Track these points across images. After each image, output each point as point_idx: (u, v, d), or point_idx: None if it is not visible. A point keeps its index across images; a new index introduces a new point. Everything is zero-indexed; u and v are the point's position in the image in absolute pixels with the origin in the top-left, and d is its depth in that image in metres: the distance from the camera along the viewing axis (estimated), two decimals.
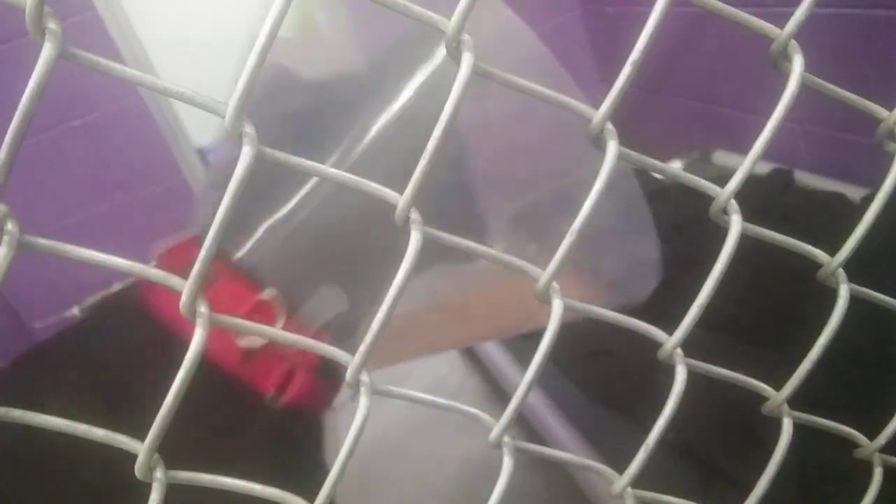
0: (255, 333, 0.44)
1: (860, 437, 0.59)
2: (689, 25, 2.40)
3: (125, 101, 2.46)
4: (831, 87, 0.47)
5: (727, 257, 0.47)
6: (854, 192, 1.87)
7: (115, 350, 0.91)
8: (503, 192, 1.12)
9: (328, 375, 0.90)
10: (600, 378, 1.65)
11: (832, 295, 0.53)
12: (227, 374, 0.83)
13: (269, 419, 0.87)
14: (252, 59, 0.39)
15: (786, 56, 0.46)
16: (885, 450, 0.60)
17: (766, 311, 1.62)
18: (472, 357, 2.05)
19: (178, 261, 0.90)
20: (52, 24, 0.34)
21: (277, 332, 0.47)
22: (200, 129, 2.58)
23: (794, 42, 0.45)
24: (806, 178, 2.08)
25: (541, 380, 1.71)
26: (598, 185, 0.42)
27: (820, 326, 0.53)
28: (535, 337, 0.48)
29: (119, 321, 0.95)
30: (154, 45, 2.54)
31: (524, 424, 1.61)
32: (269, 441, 0.90)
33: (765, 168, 2.14)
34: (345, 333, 0.89)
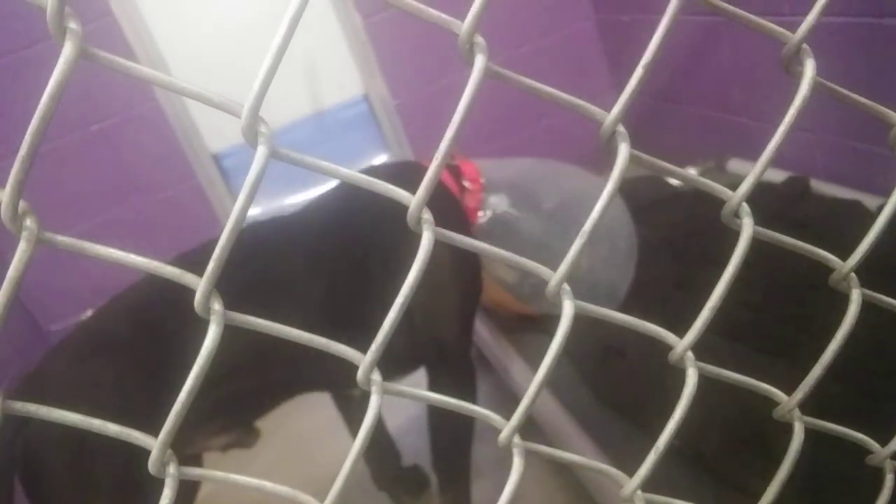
0: (263, 330, 0.44)
1: (872, 444, 0.58)
2: (703, 35, 2.40)
3: (141, 107, 2.49)
4: (842, 90, 0.47)
5: (739, 260, 0.47)
6: (871, 202, 1.85)
7: None
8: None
9: None
10: (612, 382, 1.64)
11: (846, 303, 0.53)
12: None
13: None
14: (267, 62, 0.39)
15: (798, 60, 0.46)
16: None
17: (781, 320, 1.61)
18: (483, 363, 2.05)
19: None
20: (72, 24, 0.35)
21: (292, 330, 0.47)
22: (215, 135, 2.60)
23: (805, 46, 0.45)
24: (822, 187, 2.06)
25: (553, 386, 1.73)
26: (610, 187, 0.42)
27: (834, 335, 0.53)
28: (546, 339, 0.48)
29: None
30: (171, 52, 2.56)
31: (536, 430, 1.60)
32: None
33: (780, 176, 2.13)
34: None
